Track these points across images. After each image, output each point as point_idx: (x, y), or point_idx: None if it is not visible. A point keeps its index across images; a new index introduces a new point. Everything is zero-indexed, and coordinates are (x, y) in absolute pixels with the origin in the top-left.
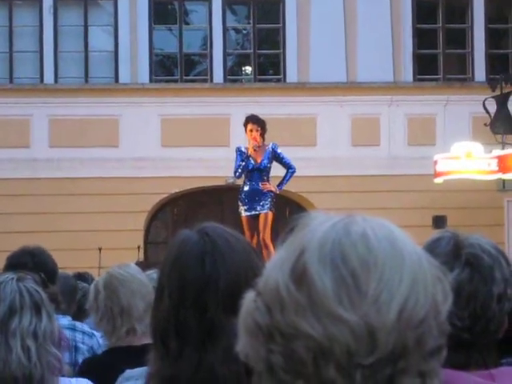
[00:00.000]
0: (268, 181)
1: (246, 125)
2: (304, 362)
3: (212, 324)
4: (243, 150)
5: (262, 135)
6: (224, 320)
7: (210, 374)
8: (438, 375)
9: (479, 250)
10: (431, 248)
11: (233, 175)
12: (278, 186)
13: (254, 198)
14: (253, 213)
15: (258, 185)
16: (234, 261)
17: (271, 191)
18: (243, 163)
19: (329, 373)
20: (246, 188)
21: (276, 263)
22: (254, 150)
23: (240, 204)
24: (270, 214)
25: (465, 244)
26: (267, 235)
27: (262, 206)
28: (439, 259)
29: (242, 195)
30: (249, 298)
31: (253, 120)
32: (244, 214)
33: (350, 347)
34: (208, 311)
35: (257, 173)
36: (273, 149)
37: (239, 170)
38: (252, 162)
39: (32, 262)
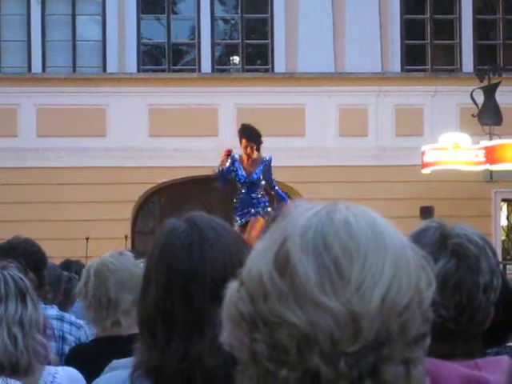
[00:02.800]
0: (262, 193)
1: (240, 138)
2: (288, 350)
3: (199, 314)
4: (237, 158)
5: (258, 149)
6: (211, 310)
7: (196, 364)
8: (422, 363)
9: (465, 240)
10: (417, 238)
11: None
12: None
13: (247, 207)
14: (243, 220)
15: (249, 196)
16: (221, 250)
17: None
18: (231, 175)
19: (313, 361)
20: (238, 199)
21: (259, 252)
22: (248, 161)
23: (234, 216)
24: (261, 220)
25: (451, 234)
26: (252, 239)
27: (255, 214)
28: (425, 249)
29: (236, 205)
30: (232, 287)
31: (247, 136)
32: (237, 225)
33: (333, 335)
34: (195, 301)
35: (249, 185)
36: (267, 161)
37: (220, 178)
38: (244, 174)
39: (24, 249)
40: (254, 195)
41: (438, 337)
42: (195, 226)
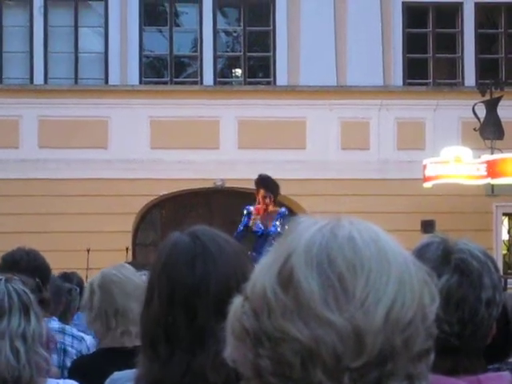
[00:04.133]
0: None
1: (257, 188)
2: (292, 365)
3: (202, 328)
4: (251, 210)
5: (275, 201)
6: (214, 324)
7: (199, 379)
8: (425, 378)
9: (468, 255)
10: (420, 253)
11: (221, 178)
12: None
13: None
14: None
15: (266, 249)
16: (224, 264)
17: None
18: (245, 227)
19: (317, 376)
20: (255, 250)
21: (263, 267)
22: (264, 213)
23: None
24: None
25: (454, 249)
26: None
27: None
28: (428, 264)
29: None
30: (236, 302)
31: (265, 187)
32: None
33: (337, 350)
34: (198, 315)
35: (265, 237)
36: (283, 213)
37: (240, 233)
38: (261, 226)
39: (27, 262)
40: (270, 248)
41: (440, 352)
42: (198, 240)
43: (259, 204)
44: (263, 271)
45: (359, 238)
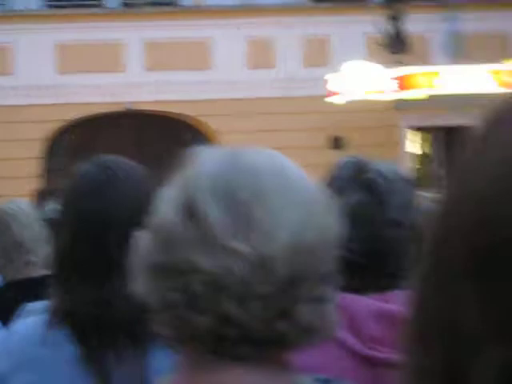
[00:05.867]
0: None
1: None
2: (200, 296)
3: (110, 258)
4: None
5: None
6: (123, 255)
7: (107, 308)
8: (332, 300)
9: (377, 175)
10: (334, 173)
11: (129, 100)
12: None
13: None
14: None
15: None
16: (134, 193)
17: None
18: None
19: (226, 305)
20: None
21: (167, 200)
22: None
23: None
24: None
25: (364, 169)
26: None
27: None
28: (339, 183)
29: None
30: (142, 237)
31: None
32: None
33: (244, 278)
34: (108, 245)
35: None
36: None
37: None
38: None
39: None
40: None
41: (349, 271)
42: (105, 170)
43: None
44: (168, 204)
45: (261, 166)
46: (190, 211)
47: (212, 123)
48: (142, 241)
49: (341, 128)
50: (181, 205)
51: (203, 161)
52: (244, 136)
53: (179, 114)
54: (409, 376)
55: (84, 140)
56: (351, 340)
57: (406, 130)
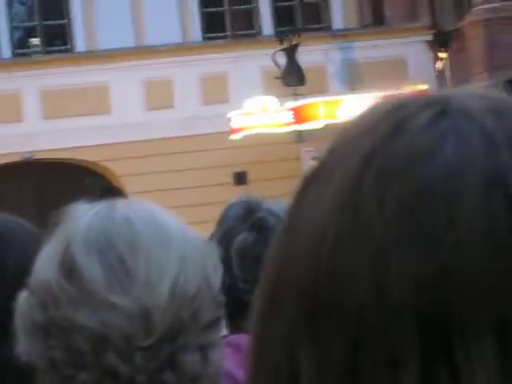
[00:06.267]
0: None
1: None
2: (83, 352)
3: (1, 317)
4: None
5: None
6: (9, 316)
7: (6, 367)
8: (218, 346)
9: (268, 214)
10: (224, 213)
11: (28, 150)
12: None
13: None
14: None
15: None
16: (20, 251)
17: None
18: None
19: (109, 360)
20: None
21: (45, 259)
22: None
23: None
24: None
25: (255, 209)
26: None
27: None
28: (229, 223)
29: None
30: (22, 296)
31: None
32: None
33: (126, 332)
34: None
35: None
36: None
37: None
38: None
39: None
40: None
41: (241, 312)
42: None
43: None
44: (45, 262)
45: (136, 218)
46: (68, 268)
47: (114, 167)
48: (23, 300)
49: (244, 164)
50: (57, 261)
51: (79, 216)
52: (147, 178)
53: (80, 161)
54: None
55: None
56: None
57: (311, 161)
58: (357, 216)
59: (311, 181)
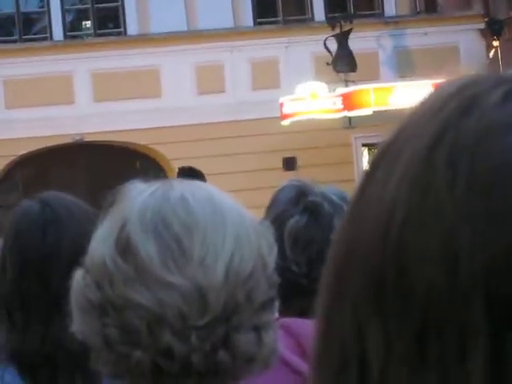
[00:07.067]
0: None
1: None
2: (138, 331)
3: (57, 295)
4: None
5: None
6: (66, 293)
7: (57, 346)
8: (272, 327)
9: (321, 198)
10: (276, 196)
11: (79, 132)
12: None
13: None
14: None
15: None
16: (76, 230)
17: None
18: None
19: (164, 339)
20: None
21: (100, 237)
22: None
23: None
24: None
25: (307, 192)
26: None
27: None
28: (281, 206)
29: None
30: (78, 275)
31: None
32: None
33: (182, 311)
34: (52, 282)
35: None
36: None
37: None
38: None
39: None
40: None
41: (291, 295)
42: (48, 207)
43: None
44: (101, 242)
45: (191, 198)
46: (124, 247)
47: (164, 151)
48: (78, 279)
49: (293, 149)
50: (113, 240)
51: (134, 196)
52: (197, 162)
53: (130, 143)
54: None
55: (35, 174)
56: (299, 363)
57: (363, 148)
58: (427, 194)
59: (380, 160)
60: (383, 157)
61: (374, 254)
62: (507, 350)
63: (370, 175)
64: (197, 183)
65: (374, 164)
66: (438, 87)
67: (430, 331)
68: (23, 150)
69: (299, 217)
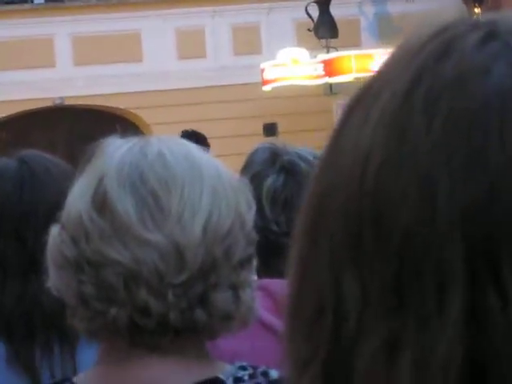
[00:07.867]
0: None
1: None
2: (115, 288)
3: (33, 254)
4: None
5: None
6: (43, 251)
7: (34, 304)
8: (249, 285)
9: (295, 157)
10: (250, 158)
11: (59, 96)
12: None
13: None
14: None
15: None
16: (53, 187)
17: None
18: None
19: (141, 296)
20: None
21: (77, 193)
22: None
23: None
24: None
25: (282, 152)
26: None
27: None
28: (256, 167)
29: None
30: (54, 231)
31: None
32: None
33: (158, 268)
34: (28, 241)
35: None
36: None
37: None
38: None
39: None
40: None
41: (273, 254)
42: (25, 165)
43: None
44: (77, 197)
45: (169, 154)
46: (101, 203)
47: (145, 115)
48: (54, 235)
49: (274, 115)
50: (89, 196)
51: (111, 152)
52: (177, 127)
53: (110, 107)
54: (290, 368)
55: (15, 137)
56: (277, 324)
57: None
58: (404, 138)
59: (355, 106)
60: (358, 102)
61: (351, 201)
62: (484, 298)
63: (344, 121)
64: (175, 140)
65: (349, 110)
66: (412, 31)
67: (406, 279)
68: (3, 114)
69: (276, 176)
